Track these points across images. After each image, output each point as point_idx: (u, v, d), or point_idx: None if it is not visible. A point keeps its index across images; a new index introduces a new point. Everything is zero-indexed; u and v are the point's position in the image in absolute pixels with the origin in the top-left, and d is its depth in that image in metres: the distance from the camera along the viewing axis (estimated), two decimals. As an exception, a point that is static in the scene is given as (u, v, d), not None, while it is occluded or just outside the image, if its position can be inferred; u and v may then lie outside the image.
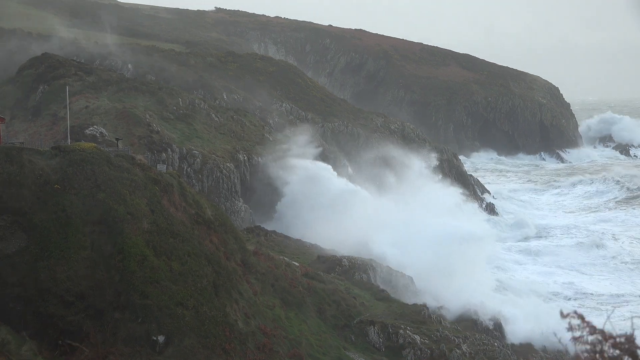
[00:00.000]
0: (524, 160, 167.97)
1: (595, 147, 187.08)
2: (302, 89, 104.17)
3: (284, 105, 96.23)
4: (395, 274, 55.87)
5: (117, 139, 52.17)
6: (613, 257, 79.32)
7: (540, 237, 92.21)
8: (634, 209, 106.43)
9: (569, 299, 65.87)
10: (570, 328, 5.87)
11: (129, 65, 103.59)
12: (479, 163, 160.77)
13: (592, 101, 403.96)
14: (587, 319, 5.83)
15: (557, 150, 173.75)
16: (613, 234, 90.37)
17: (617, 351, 5.17)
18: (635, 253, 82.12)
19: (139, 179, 37.36)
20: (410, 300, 51.18)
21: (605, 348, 5.37)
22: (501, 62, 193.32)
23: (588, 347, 5.51)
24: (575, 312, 6.06)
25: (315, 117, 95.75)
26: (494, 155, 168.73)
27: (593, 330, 5.42)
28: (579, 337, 5.45)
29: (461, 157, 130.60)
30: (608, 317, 5.79)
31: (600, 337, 5.40)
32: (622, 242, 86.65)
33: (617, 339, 5.30)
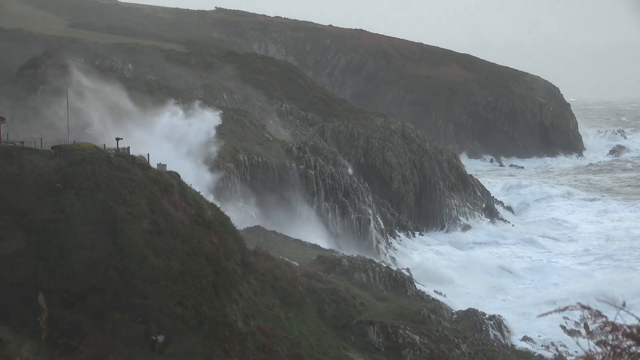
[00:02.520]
0: (524, 161, 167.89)
1: (596, 150, 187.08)
2: (302, 89, 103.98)
3: (284, 105, 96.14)
4: (395, 273, 55.91)
5: (117, 139, 52.13)
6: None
7: (538, 239, 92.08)
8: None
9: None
10: (584, 319, 5.84)
11: (129, 65, 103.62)
12: (480, 163, 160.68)
13: (575, 102, 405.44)
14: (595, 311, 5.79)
15: (558, 151, 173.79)
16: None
17: (630, 341, 5.13)
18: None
19: (138, 179, 37.21)
20: (409, 300, 51.20)
21: (617, 338, 5.33)
22: (490, 61, 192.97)
23: (601, 339, 5.49)
24: (579, 303, 6.03)
25: (315, 117, 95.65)
26: (494, 155, 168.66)
27: (606, 322, 5.38)
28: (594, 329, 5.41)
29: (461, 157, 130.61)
30: (618, 311, 5.76)
31: (610, 328, 5.37)
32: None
33: (628, 329, 5.25)
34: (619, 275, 71.92)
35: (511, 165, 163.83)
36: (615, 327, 5.02)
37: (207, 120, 69.61)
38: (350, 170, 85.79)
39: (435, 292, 60.36)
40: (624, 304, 6.10)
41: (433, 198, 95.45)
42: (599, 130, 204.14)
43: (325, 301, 42.31)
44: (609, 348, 4.89)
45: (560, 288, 70.15)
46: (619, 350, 4.80)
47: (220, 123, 71.14)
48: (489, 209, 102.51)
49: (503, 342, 49.45)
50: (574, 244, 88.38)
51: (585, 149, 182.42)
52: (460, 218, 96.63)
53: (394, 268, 58.02)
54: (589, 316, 5.46)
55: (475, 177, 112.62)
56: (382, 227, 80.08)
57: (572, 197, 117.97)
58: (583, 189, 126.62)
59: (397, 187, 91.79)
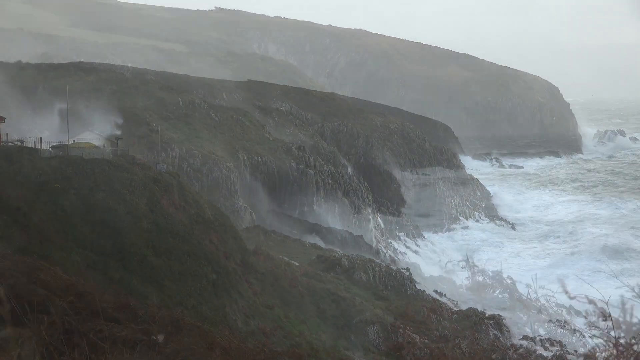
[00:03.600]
0: (525, 160, 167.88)
1: (595, 150, 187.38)
2: (302, 89, 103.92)
3: (283, 105, 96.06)
4: (395, 273, 55.71)
5: (117, 139, 52.12)
6: None
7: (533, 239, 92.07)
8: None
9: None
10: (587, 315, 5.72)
11: (129, 65, 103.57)
12: (479, 164, 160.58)
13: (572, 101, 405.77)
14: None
15: (558, 150, 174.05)
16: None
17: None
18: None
19: (138, 179, 37.37)
20: (409, 299, 51.08)
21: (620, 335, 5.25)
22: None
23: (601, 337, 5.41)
24: (586, 296, 5.95)
25: (314, 116, 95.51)
26: (494, 155, 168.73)
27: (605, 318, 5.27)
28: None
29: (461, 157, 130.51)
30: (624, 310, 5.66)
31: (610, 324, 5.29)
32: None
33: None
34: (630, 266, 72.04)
35: (511, 165, 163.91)
36: (618, 325, 4.97)
37: None
38: (349, 170, 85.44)
39: (435, 291, 60.29)
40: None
41: (433, 198, 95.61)
42: (599, 130, 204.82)
43: (325, 301, 41.92)
44: (611, 345, 4.85)
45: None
46: (621, 349, 4.76)
47: None
48: (489, 208, 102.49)
49: (503, 341, 49.37)
50: (576, 242, 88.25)
51: (584, 148, 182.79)
52: (460, 218, 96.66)
53: (394, 267, 57.81)
54: (596, 312, 5.41)
55: (474, 177, 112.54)
56: (382, 226, 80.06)
57: (562, 196, 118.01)
58: (581, 189, 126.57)
59: (396, 186, 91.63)
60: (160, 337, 33.24)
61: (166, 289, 33.07)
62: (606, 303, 4.80)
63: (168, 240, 35.08)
